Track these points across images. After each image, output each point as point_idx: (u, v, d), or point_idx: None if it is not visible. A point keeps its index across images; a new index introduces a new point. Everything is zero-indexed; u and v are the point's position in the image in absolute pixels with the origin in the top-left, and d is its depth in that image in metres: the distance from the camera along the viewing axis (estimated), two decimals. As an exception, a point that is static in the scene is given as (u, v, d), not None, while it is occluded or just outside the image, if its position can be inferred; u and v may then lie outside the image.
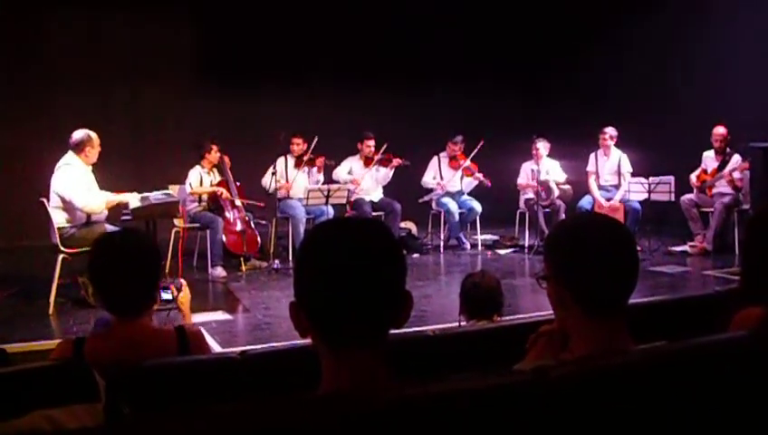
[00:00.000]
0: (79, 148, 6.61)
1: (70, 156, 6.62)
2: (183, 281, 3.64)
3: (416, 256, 9.28)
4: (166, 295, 4.07)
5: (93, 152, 6.68)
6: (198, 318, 6.10)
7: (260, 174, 9.05)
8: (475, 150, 9.53)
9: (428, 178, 9.85)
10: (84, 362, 1.98)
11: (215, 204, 8.47)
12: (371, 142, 9.43)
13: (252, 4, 11.09)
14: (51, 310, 6.43)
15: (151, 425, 1.32)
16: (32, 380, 1.66)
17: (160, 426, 1.30)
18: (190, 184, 8.36)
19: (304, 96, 11.20)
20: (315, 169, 9.21)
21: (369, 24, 11.55)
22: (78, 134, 6.66)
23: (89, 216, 6.60)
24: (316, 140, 8.85)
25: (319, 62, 11.34)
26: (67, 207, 6.52)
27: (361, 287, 1.42)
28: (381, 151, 9.40)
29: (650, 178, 8.90)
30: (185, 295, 3.51)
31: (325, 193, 8.72)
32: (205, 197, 8.46)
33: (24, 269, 8.31)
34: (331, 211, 8.87)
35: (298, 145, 9.07)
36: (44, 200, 6.57)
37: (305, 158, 9.04)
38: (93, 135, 6.69)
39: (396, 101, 11.59)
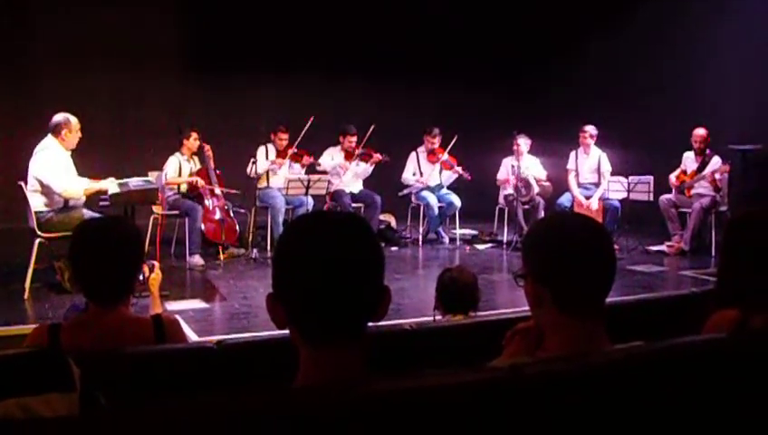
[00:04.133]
0: (56, 131, 6.55)
1: (48, 139, 6.57)
2: (155, 262, 3.65)
3: (394, 249, 9.29)
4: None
5: (71, 136, 6.61)
6: (175, 306, 6.10)
7: (242, 163, 9.01)
8: (451, 144, 9.55)
9: (408, 175, 9.83)
10: (60, 350, 1.96)
11: (194, 192, 8.43)
12: (353, 139, 9.40)
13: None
14: (26, 294, 6.38)
15: (126, 415, 1.32)
16: (5, 367, 1.64)
17: (135, 416, 1.30)
18: (166, 174, 8.29)
19: (288, 86, 11.17)
20: (298, 165, 9.17)
21: (353, 16, 11.50)
22: (57, 117, 6.61)
23: (66, 200, 6.55)
24: (303, 131, 8.83)
25: (303, 53, 11.27)
26: (45, 191, 6.46)
27: (339, 282, 1.42)
28: (362, 146, 9.38)
29: (630, 178, 8.94)
30: (156, 276, 3.53)
31: (305, 183, 8.71)
32: (184, 186, 8.42)
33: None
34: (310, 202, 8.87)
35: (283, 140, 9.03)
36: (22, 184, 6.52)
37: (290, 151, 9.00)
38: (73, 119, 6.63)
39: (379, 95, 11.54)
